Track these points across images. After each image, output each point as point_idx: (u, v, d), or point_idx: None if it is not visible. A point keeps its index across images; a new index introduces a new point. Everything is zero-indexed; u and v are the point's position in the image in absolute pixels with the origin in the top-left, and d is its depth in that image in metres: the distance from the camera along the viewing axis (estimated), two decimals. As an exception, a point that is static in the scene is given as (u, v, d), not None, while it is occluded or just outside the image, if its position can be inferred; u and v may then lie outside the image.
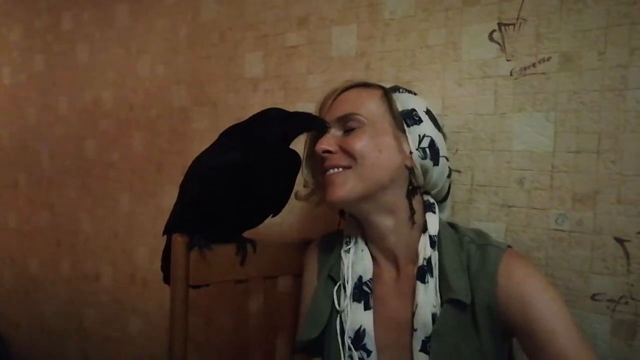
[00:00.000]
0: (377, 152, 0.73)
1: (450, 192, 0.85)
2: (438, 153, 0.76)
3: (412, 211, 0.76)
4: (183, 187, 0.89)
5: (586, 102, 0.81)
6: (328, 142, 0.76)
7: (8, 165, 1.96)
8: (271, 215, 0.91)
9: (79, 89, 1.67)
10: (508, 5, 0.87)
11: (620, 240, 0.79)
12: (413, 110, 0.76)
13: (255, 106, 1.21)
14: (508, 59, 0.88)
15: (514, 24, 0.87)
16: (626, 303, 0.78)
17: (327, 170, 0.76)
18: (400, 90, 0.79)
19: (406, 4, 0.98)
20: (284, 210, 0.91)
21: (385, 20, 1.01)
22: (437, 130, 0.77)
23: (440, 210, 0.81)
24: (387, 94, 0.77)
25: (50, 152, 1.79)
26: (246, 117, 0.85)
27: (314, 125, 0.78)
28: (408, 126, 0.75)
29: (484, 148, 0.91)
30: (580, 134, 0.82)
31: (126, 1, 1.52)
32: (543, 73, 0.84)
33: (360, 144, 0.73)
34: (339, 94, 0.79)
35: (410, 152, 0.74)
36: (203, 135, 1.33)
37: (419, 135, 0.75)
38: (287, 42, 1.16)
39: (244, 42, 1.24)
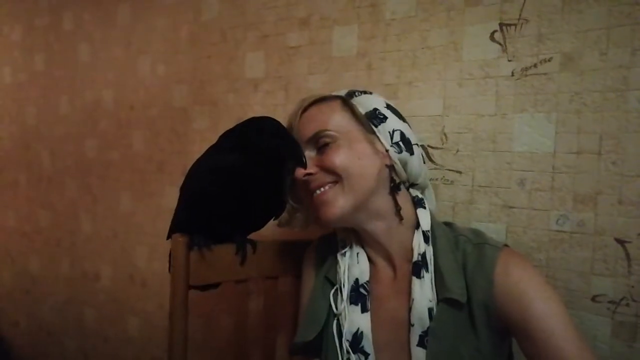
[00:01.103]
0: (357, 160, 0.73)
1: (431, 186, 0.86)
2: (410, 143, 0.77)
3: (397, 207, 0.76)
4: (183, 188, 0.88)
5: (587, 102, 0.81)
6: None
7: (8, 165, 1.96)
8: (273, 219, 0.90)
9: (80, 89, 1.67)
10: (510, 5, 0.87)
11: (621, 242, 0.79)
12: (375, 109, 0.77)
13: (256, 106, 1.21)
14: (509, 59, 0.87)
15: (515, 24, 0.87)
16: (627, 305, 0.78)
17: (314, 191, 0.75)
18: (357, 94, 0.79)
19: (407, 4, 0.98)
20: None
21: (387, 20, 1.01)
22: (402, 122, 0.78)
23: (426, 198, 0.82)
24: (346, 101, 0.78)
25: (51, 152, 1.79)
26: (246, 117, 0.85)
27: (294, 157, 0.76)
28: (376, 126, 0.76)
29: (485, 149, 0.90)
30: (581, 134, 0.82)
31: (127, 1, 1.52)
32: (544, 73, 0.84)
33: (339, 157, 0.73)
34: (300, 115, 0.78)
35: (387, 150, 0.75)
36: (203, 135, 1.33)
37: (389, 132, 0.76)
38: (288, 42, 1.16)
39: (245, 42, 1.24)
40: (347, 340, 0.75)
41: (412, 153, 0.77)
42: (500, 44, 0.88)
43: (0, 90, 1.97)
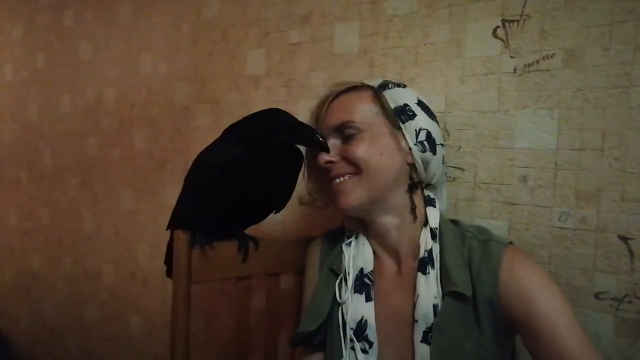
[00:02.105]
0: (378, 155, 0.74)
1: (446, 187, 0.86)
2: (435, 143, 0.77)
3: (412, 205, 0.77)
4: (187, 181, 0.89)
5: (590, 99, 0.81)
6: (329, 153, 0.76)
7: (10, 163, 1.96)
8: (274, 212, 0.90)
9: (81, 87, 1.67)
10: (512, 1, 0.87)
11: (624, 238, 0.78)
12: (406, 105, 0.76)
13: (258, 104, 1.21)
14: (512, 55, 0.87)
15: (517, 21, 0.86)
16: (630, 302, 0.78)
17: (334, 180, 0.77)
18: (390, 86, 0.79)
19: (409, 0, 0.98)
20: (286, 207, 0.91)
21: (388, 16, 1.01)
22: (431, 120, 0.78)
23: (438, 198, 0.82)
24: (377, 93, 0.78)
25: (52, 150, 1.79)
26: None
27: (315, 145, 0.77)
28: (403, 122, 0.75)
29: (487, 145, 0.90)
30: (584, 131, 0.81)
31: (128, -2, 1.52)
32: (547, 70, 0.84)
33: (361, 150, 0.74)
34: (330, 102, 0.79)
35: (410, 148, 0.75)
36: (205, 132, 1.33)
37: (415, 130, 0.75)
38: (290, 39, 1.16)
39: (246, 39, 1.24)
40: (352, 328, 0.76)
41: (434, 153, 0.77)
42: (502, 40, 0.88)
43: (1, 88, 1.97)
